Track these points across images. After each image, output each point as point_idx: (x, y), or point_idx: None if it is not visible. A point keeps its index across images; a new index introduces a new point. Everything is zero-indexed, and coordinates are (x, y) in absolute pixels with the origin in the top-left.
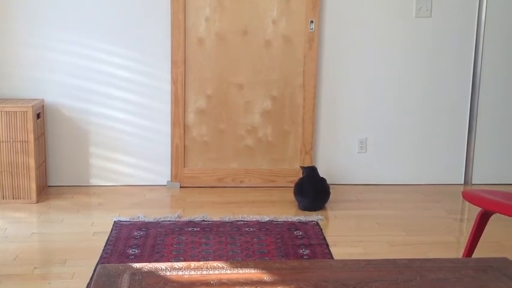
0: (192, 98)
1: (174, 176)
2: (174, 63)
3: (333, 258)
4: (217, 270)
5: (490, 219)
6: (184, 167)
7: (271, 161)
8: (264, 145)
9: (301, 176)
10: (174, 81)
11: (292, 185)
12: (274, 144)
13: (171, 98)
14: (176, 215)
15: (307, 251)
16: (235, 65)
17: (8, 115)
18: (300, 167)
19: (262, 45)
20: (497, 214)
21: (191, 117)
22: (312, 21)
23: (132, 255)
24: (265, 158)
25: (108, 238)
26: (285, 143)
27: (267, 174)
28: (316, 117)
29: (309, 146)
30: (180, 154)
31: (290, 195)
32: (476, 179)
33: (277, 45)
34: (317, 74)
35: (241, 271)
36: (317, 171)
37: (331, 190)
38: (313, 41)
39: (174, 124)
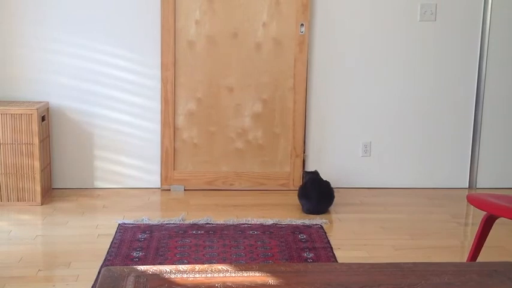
0: (182, 100)
1: (164, 179)
2: (163, 65)
3: (337, 261)
4: (222, 273)
5: (494, 223)
6: (174, 169)
7: (262, 164)
8: (254, 148)
9: (303, 181)
10: (164, 84)
11: (283, 188)
12: (265, 147)
13: (161, 100)
14: (180, 218)
15: (311, 254)
16: (225, 68)
17: (13, 117)
18: (303, 171)
19: (253, 48)
20: (502, 218)
21: (181, 119)
22: (302, 24)
23: (136, 257)
24: (256, 160)
25: (113, 241)
26: (275, 146)
27: (257, 177)
28: (307, 120)
29: (300, 149)
30: (169, 156)
31: (294, 198)
32: (481, 182)
33: (268, 48)
34: (307, 77)
35: (245, 274)
36: (319, 176)
37: (335, 193)
38: (304, 44)
39: (163, 126)
